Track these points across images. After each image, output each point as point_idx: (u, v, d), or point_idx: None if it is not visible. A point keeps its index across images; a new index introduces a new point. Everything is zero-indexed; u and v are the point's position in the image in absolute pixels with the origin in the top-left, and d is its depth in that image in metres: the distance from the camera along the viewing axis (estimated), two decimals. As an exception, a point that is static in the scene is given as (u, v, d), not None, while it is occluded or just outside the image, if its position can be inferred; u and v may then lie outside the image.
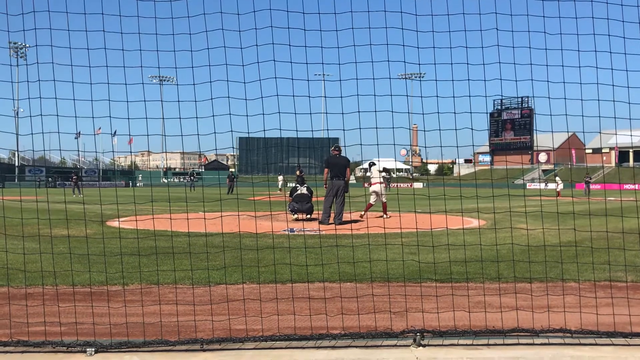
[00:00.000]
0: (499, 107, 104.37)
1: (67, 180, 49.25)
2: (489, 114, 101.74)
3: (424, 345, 4.06)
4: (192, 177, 54.53)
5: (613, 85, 4.17)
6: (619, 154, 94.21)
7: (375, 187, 16.10)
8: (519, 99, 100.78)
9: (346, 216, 14.07)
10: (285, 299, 5.18)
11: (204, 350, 3.98)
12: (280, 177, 49.92)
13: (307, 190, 15.34)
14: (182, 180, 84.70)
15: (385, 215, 15.77)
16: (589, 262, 6.53)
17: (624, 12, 4.14)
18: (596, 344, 4.10)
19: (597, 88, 4.22)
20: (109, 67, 4.12)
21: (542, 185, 60.76)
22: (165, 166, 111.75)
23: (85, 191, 40.29)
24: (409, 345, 4.06)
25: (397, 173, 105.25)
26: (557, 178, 41.05)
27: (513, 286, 5.68)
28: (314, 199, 15.23)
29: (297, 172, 18.15)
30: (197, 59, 4.15)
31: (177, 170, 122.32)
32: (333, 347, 4.04)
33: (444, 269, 6.58)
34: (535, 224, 10.40)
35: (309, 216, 15.11)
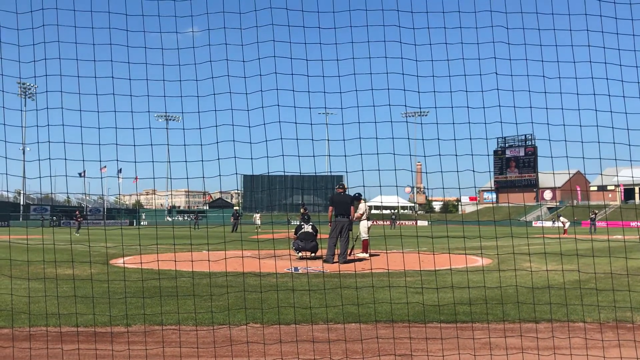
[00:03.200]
0: (503, 145, 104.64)
1: (71, 219, 49.32)
2: (493, 153, 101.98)
3: (430, 389, 4.02)
4: (197, 216, 54.62)
5: (613, 128, 4.23)
6: (624, 191, 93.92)
7: (367, 223, 15.74)
8: (524, 136, 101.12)
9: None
10: (289, 340, 5.14)
11: (208, 394, 3.95)
12: (257, 215, 49.79)
13: (312, 228, 15.30)
14: (186, 218, 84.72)
15: (366, 254, 15.28)
16: (594, 302, 6.48)
17: (621, 57, 4.23)
18: (604, 387, 4.05)
19: (597, 130, 4.28)
20: (117, 112, 4.21)
21: (550, 223, 60.54)
22: (170, 204, 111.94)
23: (90, 230, 40.28)
24: (414, 389, 4.02)
25: (402, 211, 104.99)
26: (562, 218, 40.93)
27: (519, 327, 5.63)
28: (318, 237, 15.18)
29: (302, 210, 18.11)
30: (203, 103, 4.24)
31: (181, 208, 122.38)
32: (337, 391, 4.00)
33: (449, 309, 6.53)
34: (540, 263, 10.34)
35: (313, 254, 15.05)
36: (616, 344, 4.90)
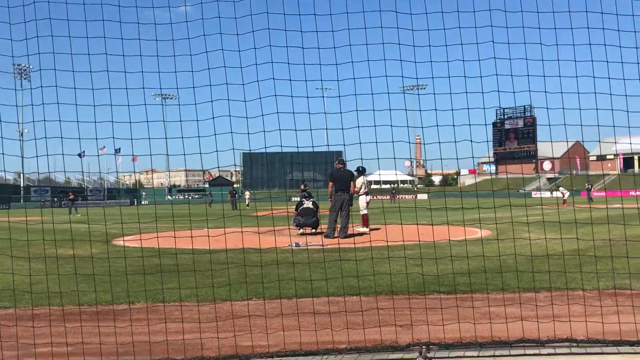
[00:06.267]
0: (502, 117, 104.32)
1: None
2: (492, 124, 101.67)
3: (430, 358, 4.06)
4: (210, 194, 55.12)
5: (611, 94, 4.20)
6: (623, 160, 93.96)
7: (366, 197, 15.63)
8: (522, 107, 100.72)
9: (350, 229, 14.04)
10: (290, 314, 5.18)
11: (211, 368, 3.99)
12: (247, 193, 50.41)
13: (312, 204, 15.33)
14: (186, 197, 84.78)
15: (365, 229, 15.23)
16: (593, 270, 6.52)
17: (619, 22, 4.18)
18: (603, 353, 4.10)
19: (595, 97, 4.25)
20: (111, 89, 4.18)
21: (549, 194, 60.83)
22: (170, 184, 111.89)
23: (90, 210, 40.33)
24: (415, 358, 4.07)
25: (401, 185, 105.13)
26: (561, 188, 41.07)
27: (518, 296, 5.67)
28: (319, 212, 15.21)
29: (302, 187, 18.14)
30: (198, 79, 4.21)
31: (181, 187, 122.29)
32: (339, 362, 4.05)
33: (449, 280, 6.57)
34: (539, 233, 10.36)
35: (314, 230, 15.10)
36: (615, 311, 4.94)
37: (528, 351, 4.13)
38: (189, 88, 4.20)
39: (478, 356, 4.08)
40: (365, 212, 15.54)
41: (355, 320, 5.05)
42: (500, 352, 4.14)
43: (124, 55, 4.13)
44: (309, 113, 4.19)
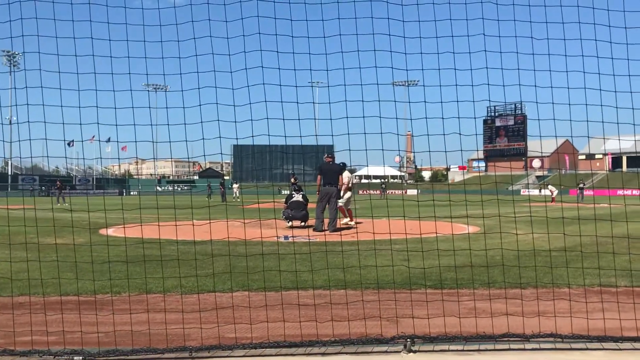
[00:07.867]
0: (492, 114, 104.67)
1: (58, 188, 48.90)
2: (482, 120, 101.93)
3: (415, 351, 4.04)
4: (209, 185, 54.87)
5: (600, 90, 4.19)
6: (612, 160, 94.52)
7: (348, 193, 15.54)
8: (513, 105, 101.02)
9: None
10: (275, 305, 5.14)
11: (193, 358, 3.95)
12: (236, 185, 50.55)
13: (302, 197, 15.29)
14: (177, 188, 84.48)
15: (352, 222, 15.14)
16: (580, 267, 6.54)
17: (610, 18, 4.17)
18: (587, 349, 4.10)
19: (585, 92, 4.24)
20: (96, 73, 4.10)
21: (537, 192, 61.20)
22: (157, 174, 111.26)
23: (78, 200, 40.07)
24: (400, 352, 4.05)
25: (391, 180, 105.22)
26: (550, 186, 41.28)
27: (504, 292, 5.66)
28: (309, 206, 15.16)
29: (292, 180, 18.11)
30: (185, 67, 4.14)
31: (171, 178, 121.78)
32: (323, 354, 4.02)
33: (435, 275, 6.56)
34: (526, 231, 10.38)
35: (303, 223, 15.06)
36: (600, 308, 4.95)
37: (513, 346, 4.12)
38: (175, 74, 4.14)
39: (463, 350, 4.07)
40: (342, 204, 15.35)
41: (341, 314, 5.02)
42: (484, 346, 4.13)
43: (110, 40, 4.06)
44: (297, 102, 4.15)
